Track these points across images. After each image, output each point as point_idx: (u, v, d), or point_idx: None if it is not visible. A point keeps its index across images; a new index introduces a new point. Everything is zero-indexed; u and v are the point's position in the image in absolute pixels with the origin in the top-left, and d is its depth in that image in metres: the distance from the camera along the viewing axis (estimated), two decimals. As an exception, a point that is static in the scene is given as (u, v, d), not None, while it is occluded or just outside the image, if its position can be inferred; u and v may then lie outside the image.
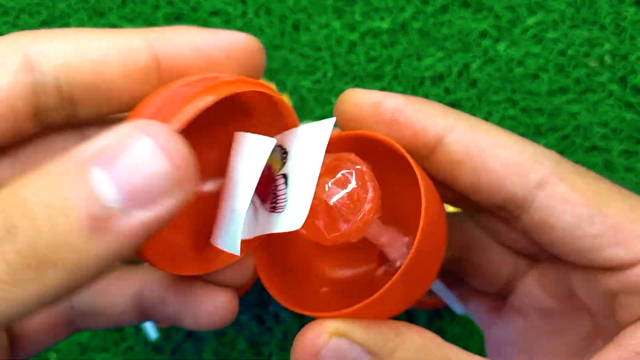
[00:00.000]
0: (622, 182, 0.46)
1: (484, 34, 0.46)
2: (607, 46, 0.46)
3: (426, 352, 0.15)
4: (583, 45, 0.46)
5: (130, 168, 0.12)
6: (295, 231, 0.16)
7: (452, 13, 0.46)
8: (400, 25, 0.46)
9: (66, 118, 0.16)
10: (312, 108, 0.46)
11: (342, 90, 0.50)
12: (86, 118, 0.16)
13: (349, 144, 0.19)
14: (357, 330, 0.16)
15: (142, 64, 0.16)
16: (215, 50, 0.17)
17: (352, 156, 0.18)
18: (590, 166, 0.45)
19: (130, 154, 0.12)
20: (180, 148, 0.13)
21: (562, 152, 0.45)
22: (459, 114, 0.18)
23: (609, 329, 0.17)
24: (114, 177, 0.12)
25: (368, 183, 0.17)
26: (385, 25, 0.46)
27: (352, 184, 0.17)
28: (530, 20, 0.46)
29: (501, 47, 0.46)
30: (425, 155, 0.17)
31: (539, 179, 0.17)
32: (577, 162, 0.45)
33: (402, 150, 0.17)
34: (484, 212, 0.19)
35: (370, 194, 0.17)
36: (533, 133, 0.45)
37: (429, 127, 0.17)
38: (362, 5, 0.46)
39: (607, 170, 0.45)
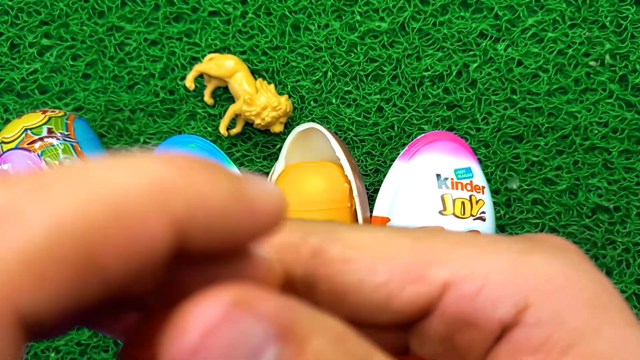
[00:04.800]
0: (621, 182, 0.46)
1: (483, 34, 0.46)
2: (607, 45, 0.45)
3: (347, 341, 0.12)
4: (583, 45, 0.46)
5: None
6: None
7: (451, 13, 0.46)
8: (400, 25, 0.46)
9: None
10: (312, 108, 0.46)
11: (342, 91, 0.50)
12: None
13: None
14: (267, 300, 0.11)
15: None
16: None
17: None
18: (590, 166, 0.45)
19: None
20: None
21: (562, 152, 0.45)
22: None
23: None
24: None
25: None
26: (385, 25, 0.46)
27: None
28: (530, 20, 0.46)
29: (501, 47, 0.46)
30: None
31: (310, 249, 0.15)
32: (576, 161, 0.46)
33: None
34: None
35: None
36: (533, 133, 0.45)
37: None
38: (362, 5, 0.46)
39: (607, 170, 0.45)
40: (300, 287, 0.15)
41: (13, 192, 0.09)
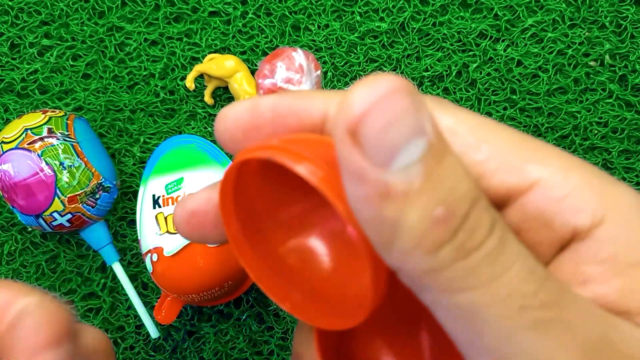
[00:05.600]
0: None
1: (483, 34, 0.46)
2: (607, 45, 0.45)
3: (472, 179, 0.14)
4: (583, 45, 0.46)
5: None
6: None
7: (451, 13, 0.46)
8: (400, 25, 0.46)
9: None
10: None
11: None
12: None
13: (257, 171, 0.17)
14: (427, 103, 0.13)
15: None
16: None
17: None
18: (590, 166, 0.45)
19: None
20: None
21: (561, 152, 0.45)
22: (333, 92, 0.17)
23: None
24: None
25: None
26: (385, 25, 0.46)
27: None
28: (530, 20, 0.46)
29: (500, 47, 0.46)
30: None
31: None
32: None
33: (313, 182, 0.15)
34: None
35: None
36: (532, 133, 0.45)
37: (308, 107, 0.17)
38: (362, 5, 0.46)
39: (607, 170, 0.45)
40: None
41: None
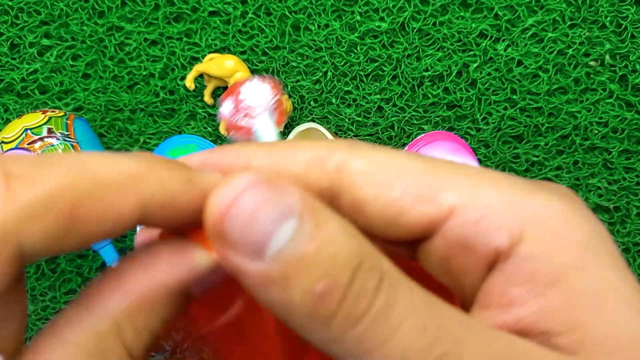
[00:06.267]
0: (621, 182, 0.46)
1: (483, 34, 0.46)
2: (607, 45, 0.45)
3: (357, 235, 0.14)
4: (583, 45, 0.46)
5: None
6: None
7: (451, 13, 0.46)
8: (400, 25, 0.46)
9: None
10: (312, 108, 0.46)
11: (342, 91, 0.50)
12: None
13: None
14: (291, 184, 0.13)
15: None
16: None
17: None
18: (590, 166, 0.45)
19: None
20: None
21: (562, 152, 0.45)
22: (257, 144, 0.17)
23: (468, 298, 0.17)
24: None
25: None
26: (385, 25, 0.46)
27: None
28: (530, 20, 0.46)
29: (501, 47, 0.46)
30: None
31: (336, 163, 0.16)
32: (576, 161, 0.46)
33: None
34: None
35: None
36: (533, 133, 0.45)
37: (233, 162, 0.17)
38: (362, 5, 0.46)
39: (607, 170, 0.45)
40: (326, 199, 0.16)
41: (24, 164, 0.13)
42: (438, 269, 0.17)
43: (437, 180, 0.16)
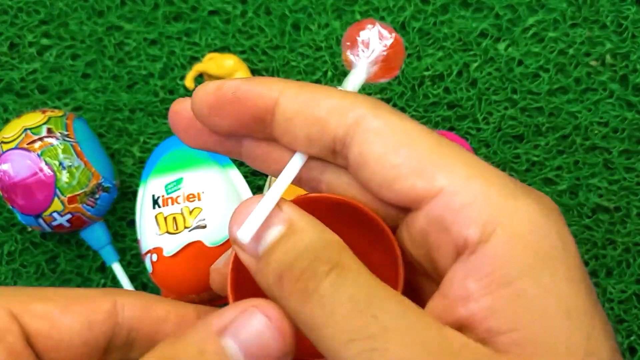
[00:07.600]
0: (622, 182, 0.46)
1: (484, 34, 0.46)
2: (608, 45, 0.45)
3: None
4: (584, 45, 0.45)
5: (252, 338, 0.17)
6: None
7: (452, 12, 0.46)
8: (401, 24, 0.46)
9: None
10: (312, 108, 0.46)
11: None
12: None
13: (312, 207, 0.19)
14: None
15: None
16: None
17: None
18: (591, 166, 0.45)
19: (251, 328, 0.17)
20: (289, 327, 0.17)
21: (562, 152, 0.45)
22: (291, 81, 0.19)
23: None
24: (241, 345, 0.17)
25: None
26: (385, 24, 0.46)
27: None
28: (531, 20, 0.46)
29: (501, 46, 0.46)
30: (269, 120, 0.19)
31: (356, 117, 0.18)
32: (577, 161, 0.46)
33: (371, 213, 0.19)
34: (331, 166, 0.20)
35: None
36: (533, 133, 0.45)
37: (264, 93, 0.18)
38: (362, 5, 0.46)
39: (608, 170, 0.45)
40: (338, 146, 0.18)
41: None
42: (417, 241, 0.18)
43: (438, 159, 0.17)
